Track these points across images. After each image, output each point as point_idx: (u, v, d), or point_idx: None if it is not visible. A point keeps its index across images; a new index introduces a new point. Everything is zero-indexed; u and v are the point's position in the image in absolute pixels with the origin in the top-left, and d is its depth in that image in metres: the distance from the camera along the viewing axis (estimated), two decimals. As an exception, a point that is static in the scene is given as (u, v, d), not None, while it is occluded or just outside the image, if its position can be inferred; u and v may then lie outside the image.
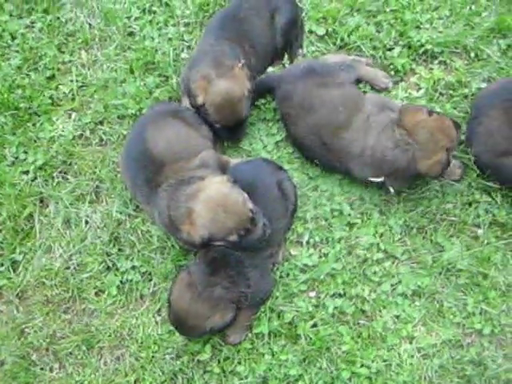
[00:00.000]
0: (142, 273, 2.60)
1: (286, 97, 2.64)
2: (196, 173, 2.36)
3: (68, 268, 2.63)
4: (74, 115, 2.90)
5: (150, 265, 2.59)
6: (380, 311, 2.49)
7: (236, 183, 2.27)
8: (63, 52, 3.03)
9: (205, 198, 2.20)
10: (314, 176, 2.69)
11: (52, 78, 2.98)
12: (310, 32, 2.92)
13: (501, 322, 2.44)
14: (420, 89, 2.81)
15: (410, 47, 2.86)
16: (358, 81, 2.77)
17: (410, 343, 2.45)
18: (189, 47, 2.95)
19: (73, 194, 2.74)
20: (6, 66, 2.98)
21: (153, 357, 2.48)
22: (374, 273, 2.54)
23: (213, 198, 2.19)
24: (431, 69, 2.84)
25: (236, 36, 2.69)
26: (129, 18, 3.03)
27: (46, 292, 2.61)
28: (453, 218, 2.60)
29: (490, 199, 2.60)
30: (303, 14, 2.92)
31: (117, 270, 2.61)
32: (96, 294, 2.60)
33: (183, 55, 2.92)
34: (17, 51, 3.02)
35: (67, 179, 2.78)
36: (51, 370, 2.53)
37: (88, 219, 2.69)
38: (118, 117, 2.85)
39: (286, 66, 2.86)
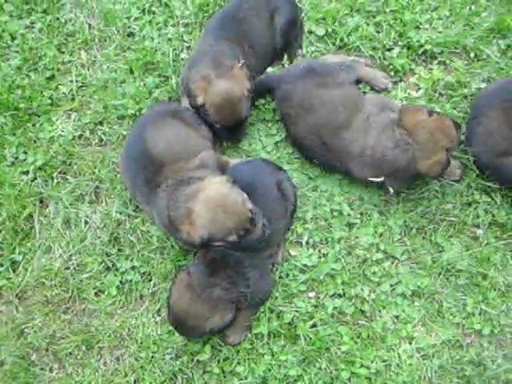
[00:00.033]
0: (142, 273, 2.60)
1: (285, 97, 2.63)
2: (195, 173, 2.36)
3: (68, 268, 2.64)
4: (73, 115, 2.90)
5: (150, 265, 2.59)
6: (379, 311, 2.49)
7: (235, 183, 2.26)
8: (63, 52, 3.03)
9: (204, 199, 2.20)
10: (313, 176, 2.70)
11: (52, 78, 2.98)
12: (310, 32, 2.92)
13: (500, 323, 2.45)
14: (419, 89, 2.80)
15: (409, 47, 2.86)
16: (358, 81, 2.77)
17: (410, 343, 2.45)
18: (188, 47, 2.95)
19: (72, 194, 2.74)
20: (5, 67, 2.97)
21: (152, 357, 2.48)
22: (374, 273, 2.54)
23: (212, 199, 2.19)
24: (431, 69, 2.84)
25: (235, 36, 2.70)
26: (128, 18, 3.03)
27: (45, 292, 2.61)
28: (452, 219, 2.60)
29: (489, 199, 2.60)
30: (303, 15, 2.92)
31: (116, 270, 2.61)
32: (96, 294, 2.61)
33: (183, 55, 2.92)
34: (17, 51, 3.02)
35: (67, 179, 2.78)
36: (51, 371, 2.54)
37: (88, 219, 2.69)
38: (118, 117, 2.85)
39: (286, 66, 2.86)
